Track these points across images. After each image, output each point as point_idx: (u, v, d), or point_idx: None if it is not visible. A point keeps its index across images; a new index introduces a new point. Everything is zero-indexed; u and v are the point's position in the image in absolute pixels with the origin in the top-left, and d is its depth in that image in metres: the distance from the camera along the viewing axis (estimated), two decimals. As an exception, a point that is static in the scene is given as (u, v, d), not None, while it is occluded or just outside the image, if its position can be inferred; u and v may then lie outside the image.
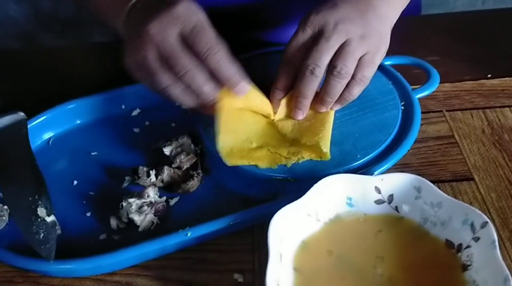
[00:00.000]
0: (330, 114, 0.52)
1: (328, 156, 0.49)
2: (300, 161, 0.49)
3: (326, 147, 0.49)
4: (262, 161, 0.49)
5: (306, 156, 0.49)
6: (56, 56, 0.76)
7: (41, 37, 1.44)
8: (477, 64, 0.64)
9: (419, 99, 0.56)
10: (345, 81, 0.50)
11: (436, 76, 0.57)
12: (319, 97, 0.51)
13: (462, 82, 0.62)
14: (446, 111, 0.58)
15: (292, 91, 0.51)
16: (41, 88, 0.68)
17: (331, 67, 0.49)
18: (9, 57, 0.80)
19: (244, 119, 0.52)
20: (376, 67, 0.51)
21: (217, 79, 0.47)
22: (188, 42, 0.46)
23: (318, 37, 0.48)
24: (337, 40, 0.48)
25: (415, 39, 0.71)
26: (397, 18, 0.54)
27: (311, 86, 0.49)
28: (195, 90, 0.46)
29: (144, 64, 0.46)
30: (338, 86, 0.49)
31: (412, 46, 0.69)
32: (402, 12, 0.56)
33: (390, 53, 0.58)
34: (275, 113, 0.52)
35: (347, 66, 0.48)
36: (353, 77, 0.49)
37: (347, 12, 0.49)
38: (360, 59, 0.49)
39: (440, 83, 0.58)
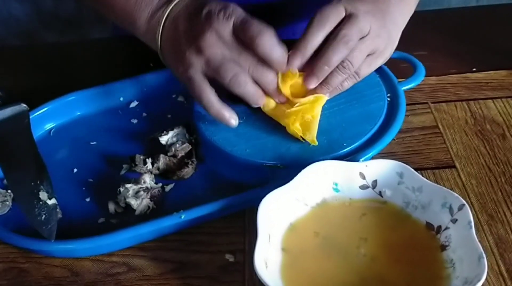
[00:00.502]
0: (319, 102, 0.53)
1: (315, 142, 0.51)
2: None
3: (311, 135, 0.51)
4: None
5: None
6: (57, 52, 0.79)
7: (43, 35, 1.47)
8: (463, 58, 0.67)
9: (405, 91, 0.58)
10: (346, 76, 0.51)
11: (421, 69, 0.60)
12: (320, 84, 0.52)
13: (447, 75, 0.64)
14: (431, 103, 0.61)
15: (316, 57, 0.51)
16: (43, 83, 0.70)
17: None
18: (12, 53, 0.83)
19: None
20: (374, 69, 0.53)
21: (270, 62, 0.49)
22: (240, 34, 0.49)
23: (350, 16, 0.50)
24: (364, 27, 0.50)
25: (406, 35, 0.73)
26: (405, 24, 0.57)
27: (340, 56, 0.49)
28: (264, 80, 0.50)
29: (222, 66, 0.49)
30: (339, 78, 0.51)
31: (401, 41, 0.71)
32: None
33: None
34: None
35: (354, 64, 0.50)
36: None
37: (372, 9, 0.52)
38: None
39: (427, 76, 0.60)
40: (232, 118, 0.51)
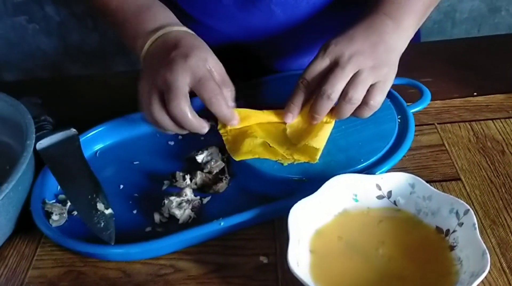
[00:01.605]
0: (329, 125, 0.61)
1: (316, 159, 0.58)
2: (295, 163, 0.58)
3: (317, 150, 0.58)
4: (264, 154, 0.59)
5: (297, 157, 0.58)
6: (85, 83, 0.87)
7: (68, 67, 1.56)
8: (465, 84, 0.74)
9: (414, 113, 0.65)
10: (355, 106, 0.57)
11: (428, 94, 0.67)
12: (333, 115, 0.59)
13: (451, 99, 0.71)
14: (438, 124, 0.68)
15: (308, 108, 0.60)
16: (80, 111, 0.77)
17: (344, 93, 0.56)
18: (43, 84, 0.91)
19: (253, 127, 0.62)
20: (386, 93, 0.58)
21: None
22: (194, 89, 0.56)
23: (334, 66, 0.56)
24: (350, 69, 0.56)
25: (412, 64, 0.81)
26: (404, 48, 0.62)
27: (326, 107, 0.58)
28: (178, 117, 0.56)
29: (148, 96, 0.57)
30: (348, 110, 0.58)
31: (409, 69, 0.78)
32: None
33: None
34: (286, 123, 0.62)
35: (358, 93, 0.56)
36: (365, 103, 0.57)
37: (360, 45, 0.57)
38: (371, 86, 0.56)
39: (432, 100, 0.67)
40: (203, 127, 0.58)
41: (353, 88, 0.56)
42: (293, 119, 0.61)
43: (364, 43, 0.58)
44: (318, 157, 0.58)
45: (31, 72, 1.55)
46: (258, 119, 0.63)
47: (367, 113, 0.58)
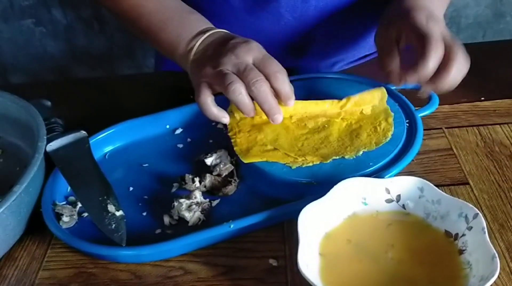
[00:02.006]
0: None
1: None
2: (304, 165, 0.59)
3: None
4: (272, 158, 0.59)
5: (310, 159, 0.59)
6: (92, 86, 0.87)
7: (75, 70, 1.57)
8: (473, 88, 0.74)
9: (422, 118, 0.65)
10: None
11: (435, 98, 0.67)
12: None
13: (459, 104, 0.72)
14: (445, 128, 0.68)
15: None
16: (89, 113, 0.78)
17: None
18: (52, 87, 0.91)
19: (263, 129, 0.63)
20: None
21: (277, 94, 0.59)
22: (259, 67, 0.58)
23: (451, 46, 0.58)
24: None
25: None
26: None
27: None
28: (261, 95, 0.57)
29: (224, 76, 0.57)
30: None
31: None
32: None
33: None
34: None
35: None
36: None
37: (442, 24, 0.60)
38: None
39: (440, 105, 0.68)
40: (223, 117, 0.60)
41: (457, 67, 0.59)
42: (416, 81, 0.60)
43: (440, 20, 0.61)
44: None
45: (37, 75, 1.56)
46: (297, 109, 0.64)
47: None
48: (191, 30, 0.65)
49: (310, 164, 0.59)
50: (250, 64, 0.58)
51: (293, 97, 0.59)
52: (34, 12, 1.46)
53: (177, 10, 0.68)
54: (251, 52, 0.59)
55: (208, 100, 0.59)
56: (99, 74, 1.56)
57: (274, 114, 0.58)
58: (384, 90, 0.65)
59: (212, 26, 0.66)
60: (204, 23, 0.67)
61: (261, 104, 0.58)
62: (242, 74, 0.57)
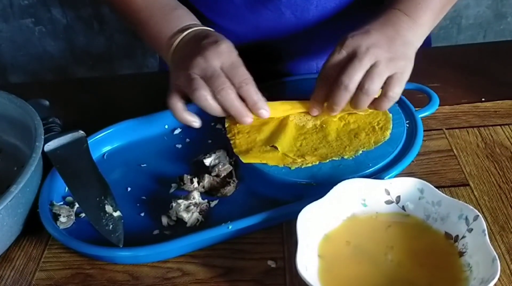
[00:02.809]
0: None
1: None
2: (303, 166, 0.58)
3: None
4: (272, 160, 0.59)
5: (308, 159, 0.59)
6: (91, 86, 0.87)
7: (74, 70, 1.57)
8: (473, 89, 0.74)
9: (422, 118, 0.65)
10: (372, 97, 0.58)
11: (436, 99, 0.67)
12: (351, 106, 0.60)
13: (459, 105, 0.71)
14: (446, 129, 0.67)
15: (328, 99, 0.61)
16: (87, 113, 0.78)
17: (361, 85, 0.57)
18: (52, 86, 0.91)
19: (262, 130, 0.63)
20: (404, 84, 0.59)
21: (245, 103, 0.59)
22: (226, 74, 0.58)
23: (352, 58, 0.57)
24: (368, 60, 0.57)
25: (421, 69, 0.80)
26: (420, 43, 0.63)
27: (344, 98, 0.58)
28: (226, 103, 0.58)
29: (191, 81, 0.58)
30: (365, 101, 0.59)
31: (418, 74, 0.78)
32: None
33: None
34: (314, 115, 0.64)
35: (374, 85, 0.57)
36: (384, 94, 0.58)
37: (377, 39, 0.58)
38: (389, 78, 0.57)
39: (440, 105, 0.67)
40: (193, 122, 0.61)
41: (370, 79, 0.57)
42: (318, 113, 0.63)
43: (381, 37, 0.59)
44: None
45: (37, 75, 1.56)
46: (279, 112, 0.64)
47: (386, 104, 0.59)
48: (171, 27, 0.65)
49: (310, 164, 0.58)
50: (217, 70, 0.58)
51: (263, 106, 0.59)
52: (34, 11, 1.45)
53: (162, 5, 0.68)
54: (220, 56, 0.58)
55: (177, 105, 0.60)
56: (98, 74, 1.56)
57: (242, 118, 0.59)
58: None
59: (195, 22, 0.66)
60: (187, 19, 0.66)
61: (228, 111, 0.59)
62: (208, 80, 0.58)
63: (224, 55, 0.58)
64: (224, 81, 0.57)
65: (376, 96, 0.59)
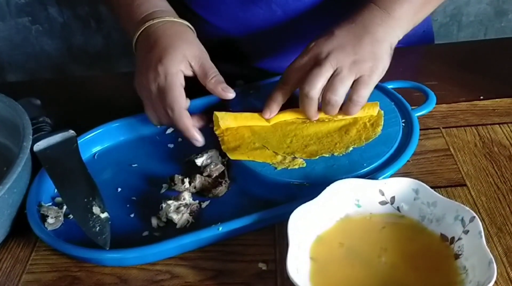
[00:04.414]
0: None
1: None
2: (290, 168, 0.57)
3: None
4: (260, 157, 0.58)
5: (298, 155, 0.58)
6: (86, 84, 0.86)
7: (72, 69, 1.56)
8: (471, 87, 0.72)
9: (418, 117, 0.63)
10: (337, 106, 0.58)
11: (433, 97, 0.65)
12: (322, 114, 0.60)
13: (457, 103, 0.70)
14: (443, 128, 0.66)
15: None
16: (80, 112, 0.76)
17: (323, 96, 0.57)
18: (46, 84, 0.90)
19: (251, 127, 0.63)
20: (372, 87, 0.58)
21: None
22: (159, 95, 0.60)
23: (313, 65, 0.57)
24: (329, 67, 0.56)
25: (417, 67, 0.79)
26: (398, 39, 0.61)
27: (310, 105, 0.59)
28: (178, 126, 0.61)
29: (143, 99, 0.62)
30: (332, 110, 0.59)
31: (414, 72, 0.78)
32: (416, 41, 0.64)
33: (395, 78, 0.66)
34: (268, 119, 0.63)
35: (336, 95, 0.57)
36: (349, 99, 0.57)
37: (341, 41, 0.57)
38: (355, 81, 0.57)
39: (438, 104, 0.66)
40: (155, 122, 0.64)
41: (332, 90, 0.57)
42: (271, 115, 0.62)
43: (346, 37, 0.58)
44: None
45: (34, 74, 1.55)
46: (245, 122, 0.63)
47: (353, 109, 0.59)
48: (133, 19, 0.64)
49: (296, 166, 0.57)
50: (154, 94, 0.60)
51: (190, 131, 0.61)
52: (31, 10, 1.44)
53: None
54: (157, 79, 0.59)
55: (153, 121, 0.63)
56: (96, 72, 1.54)
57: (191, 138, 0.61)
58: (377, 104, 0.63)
59: (154, 10, 0.64)
60: (146, 7, 0.65)
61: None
62: (153, 101, 0.61)
63: (161, 77, 0.59)
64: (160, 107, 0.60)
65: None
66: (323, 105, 0.58)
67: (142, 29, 0.62)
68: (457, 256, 0.48)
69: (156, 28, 0.62)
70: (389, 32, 0.60)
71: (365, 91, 0.57)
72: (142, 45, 0.62)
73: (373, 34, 0.58)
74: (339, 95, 0.57)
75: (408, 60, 0.59)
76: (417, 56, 0.66)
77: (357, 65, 0.56)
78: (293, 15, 0.72)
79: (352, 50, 0.57)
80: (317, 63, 0.57)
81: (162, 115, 0.60)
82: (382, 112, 0.62)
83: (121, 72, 1.50)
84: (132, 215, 0.57)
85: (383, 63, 0.58)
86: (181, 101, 0.59)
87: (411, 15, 0.62)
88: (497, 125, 0.65)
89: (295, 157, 0.58)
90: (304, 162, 0.57)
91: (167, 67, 0.59)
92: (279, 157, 0.58)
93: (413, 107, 0.64)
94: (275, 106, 0.61)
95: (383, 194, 0.53)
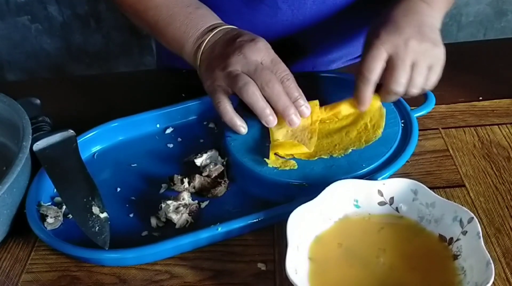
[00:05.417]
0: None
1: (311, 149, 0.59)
2: (288, 168, 0.57)
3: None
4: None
5: (297, 156, 0.58)
6: (86, 84, 0.86)
7: (71, 68, 1.56)
8: (470, 88, 0.72)
9: (418, 118, 0.64)
10: (419, 91, 0.59)
11: (432, 98, 0.65)
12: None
13: (456, 104, 0.70)
14: (442, 128, 0.66)
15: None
16: (81, 111, 0.76)
17: (407, 92, 0.59)
18: (46, 83, 0.90)
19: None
20: (440, 72, 0.60)
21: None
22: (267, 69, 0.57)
23: (394, 60, 0.57)
24: (409, 63, 0.57)
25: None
26: (440, 24, 0.63)
27: (394, 99, 0.60)
28: (274, 95, 0.57)
29: (235, 78, 0.57)
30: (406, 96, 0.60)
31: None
32: None
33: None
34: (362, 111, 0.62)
35: (417, 88, 0.58)
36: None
37: (408, 30, 0.58)
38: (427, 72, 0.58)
39: (437, 104, 0.66)
40: (241, 127, 0.60)
41: (413, 85, 0.58)
42: (365, 108, 0.61)
43: (410, 26, 0.58)
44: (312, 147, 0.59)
45: (33, 73, 1.55)
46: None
47: (418, 93, 0.60)
48: (197, 26, 0.64)
49: (288, 168, 0.57)
50: (260, 65, 0.57)
51: (304, 103, 0.59)
52: (30, 9, 1.44)
53: (184, 4, 0.67)
54: (259, 53, 0.58)
55: (228, 107, 0.59)
56: (95, 71, 1.55)
57: (289, 114, 0.58)
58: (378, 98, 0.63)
59: (220, 21, 0.65)
60: (211, 18, 0.66)
61: (274, 104, 0.57)
62: (253, 75, 0.57)
63: (263, 52, 0.58)
64: (270, 74, 0.57)
65: None
66: (408, 93, 0.59)
67: (219, 29, 0.62)
68: (455, 257, 0.48)
69: (233, 28, 0.63)
70: (435, 17, 0.62)
71: (436, 77, 0.59)
72: (223, 38, 0.62)
73: (428, 22, 0.60)
74: (419, 89, 0.59)
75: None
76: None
77: (428, 54, 0.58)
78: (300, 13, 0.72)
79: (421, 39, 0.58)
80: (399, 57, 0.57)
81: (269, 84, 0.57)
82: (384, 110, 0.62)
83: (121, 71, 1.50)
84: (131, 215, 0.58)
85: (443, 49, 0.60)
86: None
87: (445, 8, 0.65)
88: (496, 126, 0.66)
89: (293, 158, 0.58)
90: (296, 163, 0.57)
91: (265, 44, 0.59)
92: (273, 157, 0.58)
93: (412, 108, 0.64)
94: (367, 102, 0.60)
95: (382, 195, 0.53)
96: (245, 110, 0.60)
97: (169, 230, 0.55)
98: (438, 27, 0.62)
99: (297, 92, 0.59)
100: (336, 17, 0.74)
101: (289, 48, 0.78)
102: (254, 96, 0.57)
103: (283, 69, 0.58)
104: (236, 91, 0.57)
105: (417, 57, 0.57)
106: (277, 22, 0.74)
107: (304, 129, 0.61)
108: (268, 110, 0.58)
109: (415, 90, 0.59)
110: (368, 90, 0.59)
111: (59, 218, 0.57)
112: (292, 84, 0.58)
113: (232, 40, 0.60)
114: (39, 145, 0.61)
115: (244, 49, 0.58)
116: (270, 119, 0.58)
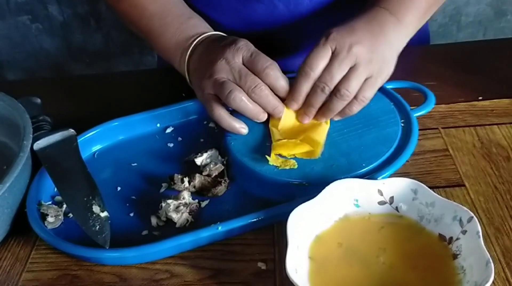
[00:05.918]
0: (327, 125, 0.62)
1: (318, 154, 0.58)
2: (289, 168, 0.57)
3: (318, 143, 0.59)
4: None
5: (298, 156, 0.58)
6: (86, 83, 0.86)
7: (71, 67, 1.56)
8: (470, 87, 0.72)
9: (418, 117, 0.64)
10: (346, 102, 0.58)
11: (432, 98, 0.66)
12: (322, 110, 0.60)
13: (456, 103, 0.70)
14: (442, 128, 0.66)
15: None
16: (83, 111, 0.77)
17: (336, 89, 0.57)
18: (46, 83, 0.90)
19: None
20: (377, 89, 0.59)
21: (275, 90, 0.59)
22: (249, 66, 0.58)
23: (332, 57, 0.57)
24: (348, 63, 0.56)
25: (416, 67, 0.80)
26: (403, 46, 0.62)
27: (320, 100, 0.59)
28: (262, 99, 0.58)
29: (221, 86, 0.58)
30: (339, 105, 0.58)
31: (414, 72, 0.78)
32: (412, 41, 0.64)
33: (394, 78, 0.66)
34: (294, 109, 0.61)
35: (350, 90, 0.57)
36: (355, 97, 0.57)
37: (361, 36, 0.57)
38: (364, 80, 0.57)
39: (437, 104, 0.66)
40: (241, 128, 0.61)
41: (346, 84, 0.56)
42: (298, 107, 0.61)
43: (365, 34, 0.58)
44: (319, 152, 0.58)
45: (34, 72, 1.55)
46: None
47: (356, 108, 0.59)
48: (186, 37, 0.65)
49: (288, 167, 0.57)
50: (243, 69, 0.58)
51: (287, 88, 0.59)
52: (30, 8, 1.44)
53: (177, 14, 0.67)
54: (240, 52, 0.58)
55: (222, 114, 0.60)
56: (95, 71, 1.55)
57: (279, 113, 0.59)
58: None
59: (208, 30, 0.66)
60: (201, 28, 0.66)
61: (264, 107, 0.59)
62: (239, 81, 0.58)
63: (242, 50, 0.58)
64: (254, 78, 0.58)
65: None
66: (333, 100, 0.58)
67: (207, 36, 0.64)
68: (455, 256, 0.49)
69: (216, 34, 0.64)
70: (399, 38, 0.61)
71: (372, 92, 0.58)
72: (208, 43, 0.63)
73: (387, 36, 0.59)
74: (353, 91, 0.57)
75: (408, 61, 0.59)
76: (417, 56, 0.66)
77: (371, 64, 0.57)
78: (296, 11, 0.72)
79: (371, 46, 0.57)
80: (338, 56, 0.56)
81: (256, 89, 0.58)
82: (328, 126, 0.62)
83: (121, 71, 1.50)
84: (131, 214, 0.58)
85: (390, 68, 0.59)
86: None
87: (417, 23, 0.63)
88: (496, 126, 0.66)
89: (294, 158, 0.58)
90: (296, 163, 0.57)
91: (245, 42, 0.59)
92: (273, 156, 0.58)
93: (412, 107, 0.65)
94: (301, 97, 0.59)
95: (382, 194, 0.53)
96: None
97: (169, 229, 0.55)
98: (396, 46, 0.60)
99: (281, 80, 0.59)
100: (333, 15, 0.74)
101: (285, 45, 0.79)
102: (242, 103, 0.58)
103: (265, 60, 0.58)
104: (223, 100, 0.58)
105: (359, 62, 0.56)
106: (273, 20, 0.74)
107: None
108: (258, 110, 0.59)
109: (348, 92, 0.56)
110: (305, 85, 0.58)
111: (60, 217, 0.57)
112: (277, 73, 0.58)
113: (214, 46, 0.61)
114: (39, 144, 0.61)
115: (225, 53, 0.59)
116: (263, 116, 0.60)
